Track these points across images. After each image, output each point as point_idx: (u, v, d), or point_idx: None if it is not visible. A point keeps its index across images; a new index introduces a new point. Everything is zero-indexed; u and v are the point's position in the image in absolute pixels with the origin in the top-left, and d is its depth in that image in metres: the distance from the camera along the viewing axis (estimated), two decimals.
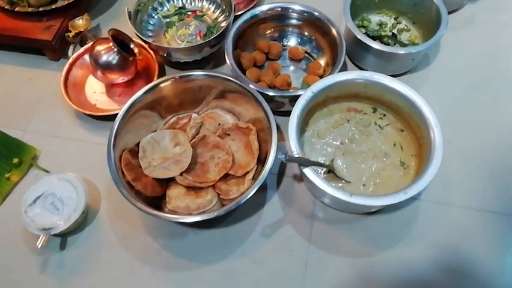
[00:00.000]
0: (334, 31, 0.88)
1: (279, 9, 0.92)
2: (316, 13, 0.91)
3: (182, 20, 1.00)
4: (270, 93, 0.81)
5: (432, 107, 0.74)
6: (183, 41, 0.98)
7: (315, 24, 0.92)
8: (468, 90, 0.93)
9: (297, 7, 0.92)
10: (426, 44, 0.85)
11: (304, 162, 0.70)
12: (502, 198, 0.81)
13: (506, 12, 1.04)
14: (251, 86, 0.80)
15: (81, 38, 0.98)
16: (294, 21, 0.95)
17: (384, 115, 0.83)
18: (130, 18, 0.91)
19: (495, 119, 0.90)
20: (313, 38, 0.95)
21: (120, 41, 0.90)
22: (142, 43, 0.92)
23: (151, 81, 0.90)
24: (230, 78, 0.81)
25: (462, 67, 0.96)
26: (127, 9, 0.91)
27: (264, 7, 0.92)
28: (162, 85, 0.81)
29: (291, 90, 0.85)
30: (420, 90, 0.90)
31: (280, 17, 0.94)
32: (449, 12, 1.02)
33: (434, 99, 0.90)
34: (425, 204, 0.80)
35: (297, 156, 0.70)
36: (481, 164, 0.84)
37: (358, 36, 0.87)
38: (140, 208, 0.69)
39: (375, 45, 0.86)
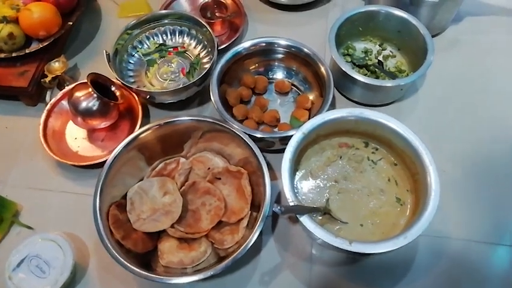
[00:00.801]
0: (322, 68, 0.87)
1: (264, 44, 0.90)
2: (303, 48, 0.89)
3: (164, 57, 0.97)
4: (259, 135, 0.79)
5: (422, 136, 0.74)
6: (166, 79, 0.95)
7: (301, 58, 0.90)
8: (457, 115, 0.93)
9: (282, 42, 0.90)
10: (414, 76, 0.84)
11: (300, 211, 0.67)
12: (500, 228, 0.80)
13: (488, 33, 1.04)
14: (238, 127, 0.78)
15: (58, 81, 0.94)
16: (279, 55, 0.93)
17: (377, 149, 0.82)
18: (109, 61, 0.87)
19: (486, 142, 0.89)
20: (299, 71, 0.94)
21: (100, 84, 0.87)
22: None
23: (135, 123, 0.88)
24: (217, 121, 0.78)
25: (449, 91, 0.96)
26: (105, 52, 0.88)
27: (247, 43, 0.90)
28: (146, 133, 0.78)
29: (280, 131, 0.83)
30: (410, 118, 0.89)
31: (265, 52, 0.92)
32: (433, 36, 1.02)
33: (423, 127, 0.90)
34: (423, 239, 0.79)
35: (292, 205, 0.68)
36: (475, 192, 0.84)
37: (344, 70, 0.85)
38: (132, 271, 0.65)
39: (363, 78, 0.84)
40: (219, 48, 0.96)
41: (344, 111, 0.78)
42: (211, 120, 0.78)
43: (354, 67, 0.96)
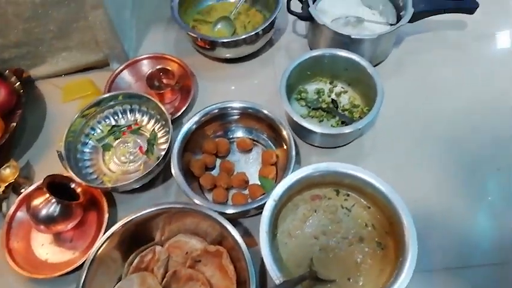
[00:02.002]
0: (279, 125, 0.87)
1: (216, 110, 0.90)
2: (257, 107, 0.89)
3: (119, 138, 0.95)
4: (229, 210, 0.78)
5: (386, 171, 0.76)
6: (125, 162, 0.92)
7: (257, 117, 0.90)
8: (417, 138, 0.95)
9: (236, 104, 0.90)
10: (369, 116, 0.84)
11: (288, 286, 0.67)
12: (478, 249, 0.82)
13: (430, 51, 1.07)
14: (206, 205, 0.77)
15: (13, 186, 0.90)
16: (236, 117, 0.93)
17: (348, 195, 0.82)
18: (62, 160, 0.84)
19: (445, 164, 0.92)
20: (258, 128, 0.93)
21: (58, 184, 0.83)
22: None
23: (102, 214, 0.85)
24: (184, 206, 0.77)
25: (405, 115, 0.98)
26: (57, 151, 0.84)
27: (196, 117, 0.89)
28: (114, 234, 0.75)
29: (251, 202, 0.81)
30: (372, 153, 0.90)
31: (221, 116, 0.92)
32: (379, 63, 1.05)
33: (387, 161, 0.91)
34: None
35: (279, 283, 0.67)
36: (450, 212, 0.86)
37: (300, 123, 0.85)
38: None
39: (320, 129, 0.85)
40: (174, 117, 0.96)
41: (310, 168, 0.78)
42: (178, 206, 0.77)
43: (310, 111, 0.97)
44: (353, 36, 0.91)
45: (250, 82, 1.06)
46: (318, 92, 0.99)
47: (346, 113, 0.95)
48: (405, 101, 1.00)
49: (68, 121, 0.90)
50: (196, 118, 0.88)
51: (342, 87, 1.00)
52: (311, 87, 1.00)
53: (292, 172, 0.80)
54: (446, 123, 0.97)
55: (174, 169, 0.83)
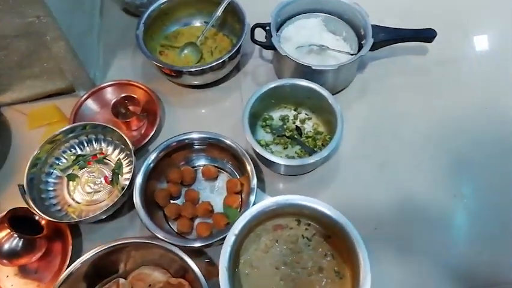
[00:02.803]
0: (241, 155, 0.88)
1: (175, 143, 0.91)
2: (219, 138, 0.91)
3: (84, 167, 0.95)
4: (192, 244, 0.80)
5: (351, 196, 0.79)
6: (90, 192, 0.93)
7: (220, 147, 0.92)
8: (379, 166, 0.98)
9: (195, 135, 0.92)
10: (330, 146, 0.86)
11: None
12: (438, 275, 0.86)
13: (393, 76, 1.10)
14: (168, 240, 0.79)
15: None
16: (200, 147, 0.94)
17: (309, 225, 0.84)
18: (24, 194, 0.84)
19: (408, 191, 0.95)
20: (222, 157, 0.95)
21: (20, 217, 0.83)
22: None
23: (66, 244, 0.86)
24: (145, 241, 0.78)
25: (367, 142, 1.01)
26: (18, 186, 0.84)
27: (154, 154, 0.89)
28: (78, 268, 0.76)
29: (214, 235, 0.83)
30: (336, 180, 0.92)
31: (185, 146, 0.93)
32: (342, 90, 1.07)
33: (351, 187, 0.93)
34: None
35: None
36: (408, 245, 0.89)
37: (263, 155, 0.87)
38: None
39: (283, 161, 0.87)
40: (141, 144, 0.96)
41: (270, 202, 0.79)
42: (140, 240, 0.78)
43: (275, 138, 0.99)
44: (314, 67, 0.93)
45: (218, 107, 1.07)
46: (283, 119, 1.01)
47: (310, 140, 0.97)
48: (368, 127, 1.03)
49: (33, 149, 0.90)
50: (153, 155, 0.89)
51: (306, 114, 1.02)
52: (276, 114, 1.02)
53: (254, 203, 0.82)
54: (409, 149, 0.99)
55: (136, 201, 0.84)
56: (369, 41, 0.97)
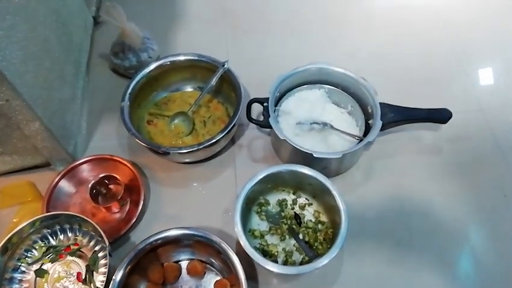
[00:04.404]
0: (232, 257, 0.78)
1: (160, 241, 0.80)
2: (209, 236, 0.80)
3: (55, 261, 0.84)
4: None
5: None
6: None
7: (210, 245, 0.81)
8: (386, 264, 0.87)
9: (178, 232, 0.81)
10: (329, 255, 0.75)
11: None
12: None
13: (402, 155, 1.00)
14: None
15: None
16: (187, 242, 0.83)
17: None
18: None
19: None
20: (211, 257, 0.84)
21: None
22: None
23: None
24: None
25: (375, 234, 0.90)
26: None
27: (140, 246, 0.79)
28: None
29: None
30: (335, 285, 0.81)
31: (168, 242, 0.82)
32: (346, 170, 0.97)
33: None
34: None
35: None
36: None
37: (257, 262, 0.76)
38: None
39: (278, 269, 0.75)
40: (123, 232, 0.87)
41: None
42: None
43: (271, 227, 0.88)
44: (315, 155, 0.83)
45: (210, 185, 0.97)
46: (281, 204, 0.91)
47: (310, 232, 0.86)
48: (376, 213, 0.92)
49: (3, 231, 0.81)
50: (125, 261, 0.78)
51: (306, 199, 0.92)
52: (273, 198, 0.92)
53: None
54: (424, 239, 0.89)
55: None
56: (377, 124, 0.87)
